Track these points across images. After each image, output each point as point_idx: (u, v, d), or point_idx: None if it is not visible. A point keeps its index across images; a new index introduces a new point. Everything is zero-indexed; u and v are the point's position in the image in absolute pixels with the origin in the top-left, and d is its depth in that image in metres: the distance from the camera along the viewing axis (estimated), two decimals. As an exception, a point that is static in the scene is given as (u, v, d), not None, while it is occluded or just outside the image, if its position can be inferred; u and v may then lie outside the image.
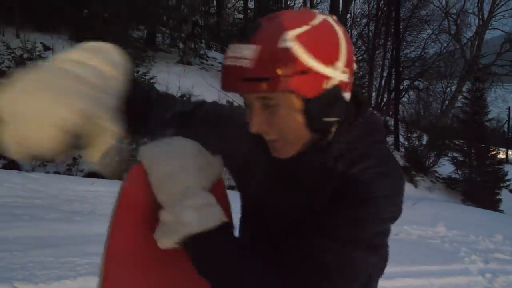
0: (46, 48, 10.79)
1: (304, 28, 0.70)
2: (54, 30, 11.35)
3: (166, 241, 0.68)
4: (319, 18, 0.73)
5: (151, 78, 10.35)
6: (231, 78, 0.70)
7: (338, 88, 0.73)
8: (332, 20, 0.75)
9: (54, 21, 11.00)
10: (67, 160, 9.64)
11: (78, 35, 11.52)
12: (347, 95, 0.77)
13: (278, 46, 0.67)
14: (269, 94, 0.70)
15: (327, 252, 0.69)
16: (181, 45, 15.20)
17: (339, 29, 0.74)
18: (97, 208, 5.33)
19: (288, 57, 0.67)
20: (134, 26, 13.70)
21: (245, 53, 0.67)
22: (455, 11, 21.57)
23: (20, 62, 9.59)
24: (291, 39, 0.68)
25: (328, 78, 0.71)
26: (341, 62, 0.72)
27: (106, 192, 6.30)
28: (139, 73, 10.18)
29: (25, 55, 9.83)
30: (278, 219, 0.81)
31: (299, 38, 0.69)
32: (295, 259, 0.70)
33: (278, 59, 0.67)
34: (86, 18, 11.17)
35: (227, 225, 0.71)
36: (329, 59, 0.71)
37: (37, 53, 10.02)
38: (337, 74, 0.72)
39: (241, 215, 0.93)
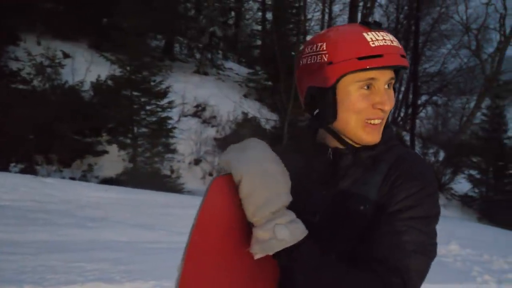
0: (66, 55, 11.03)
1: None
2: (74, 38, 11.61)
3: (262, 254, 0.82)
4: None
5: (167, 88, 10.42)
6: (394, 54, 0.87)
7: None
8: None
9: (74, 30, 11.23)
10: (83, 166, 9.77)
11: (97, 44, 11.75)
12: None
13: None
14: (392, 75, 0.90)
15: (416, 232, 0.87)
16: (198, 56, 15.38)
17: None
18: (109, 215, 5.36)
19: None
20: (152, 36, 13.91)
21: (392, 38, 0.89)
22: (476, 27, 21.37)
23: (41, 69, 9.80)
24: None
25: None
26: None
27: (119, 200, 6.33)
28: (155, 82, 10.28)
29: (46, 62, 10.04)
30: (348, 216, 0.91)
31: None
32: (386, 248, 0.84)
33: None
34: (105, 27, 11.40)
35: (309, 235, 0.85)
36: None
37: (57, 61, 10.24)
38: None
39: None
